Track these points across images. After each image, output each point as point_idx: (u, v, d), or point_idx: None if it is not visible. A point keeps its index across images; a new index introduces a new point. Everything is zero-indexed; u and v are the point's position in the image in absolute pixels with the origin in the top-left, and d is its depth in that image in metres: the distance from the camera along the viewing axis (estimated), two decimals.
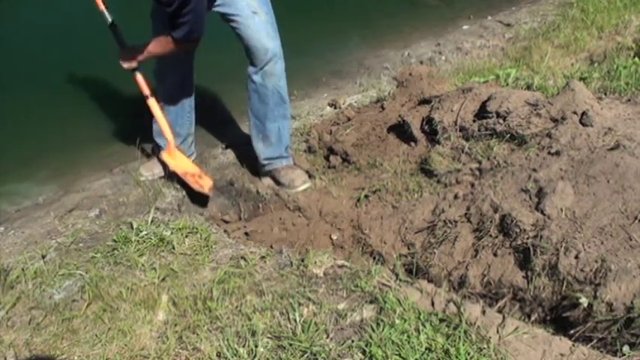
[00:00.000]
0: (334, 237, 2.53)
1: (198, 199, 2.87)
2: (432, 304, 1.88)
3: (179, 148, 2.95)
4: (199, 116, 3.12)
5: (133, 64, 2.67)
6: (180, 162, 2.92)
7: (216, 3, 2.54)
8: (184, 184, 2.91)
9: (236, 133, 3.46)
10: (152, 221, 2.61)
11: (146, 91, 2.75)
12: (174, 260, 2.34)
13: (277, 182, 2.93)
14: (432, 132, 2.82)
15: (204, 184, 2.83)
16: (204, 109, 3.37)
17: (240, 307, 2.02)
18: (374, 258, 2.38)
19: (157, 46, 2.54)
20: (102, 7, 2.64)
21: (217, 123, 3.61)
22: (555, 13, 4.56)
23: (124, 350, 1.93)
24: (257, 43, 2.60)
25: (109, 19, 2.64)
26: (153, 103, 2.78)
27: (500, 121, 2.56)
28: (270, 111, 2.78)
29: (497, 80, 3.28)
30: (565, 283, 1.82)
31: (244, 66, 2.73)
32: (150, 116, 2.86)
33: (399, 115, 3.01)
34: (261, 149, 2.91)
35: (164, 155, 2.91)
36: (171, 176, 2.99)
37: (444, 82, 3.18)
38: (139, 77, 2.73)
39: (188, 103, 2.95)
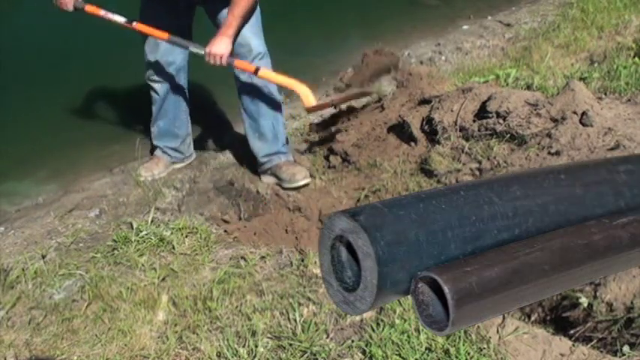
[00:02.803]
0: None
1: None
2: None
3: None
4: (199, 117, 3.12)
5: (230, 46, 2.52)
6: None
7: None
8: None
9: (235, 133, 3.45)
10: (152, 221, 2.60)
11: (250, 67, 2.62)
12: (174, 260, 2.33)
13: (278, 178, 2.92)
14: (432, 132, 2.82)
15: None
16: (204, 110, 3.37)
17: (240, 307, 2.02)
18: None
19: (236, 6, 2.45)
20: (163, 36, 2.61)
21: (217, 123, 3.61)
22: (555, 13, 4.56)
23: (124, 350, 1.93)
24: (242, 41, 2.62)
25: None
26: (264, 72, 2.64)
27: (500, 121, 2.56)
28: (263, 107, 2.79)
29: (497, 80, 3.28)
30: None
31: None
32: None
33: (399, 115, 3.00)
34: (259, 147, 2.91)
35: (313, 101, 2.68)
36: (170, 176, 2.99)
37: (444, 82, 3.18)
38: (239, 62, 2.60)
39: (184, 104, 2.95)
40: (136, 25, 2.64)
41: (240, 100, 2.81)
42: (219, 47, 2.51)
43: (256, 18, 2.66)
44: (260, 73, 2.63)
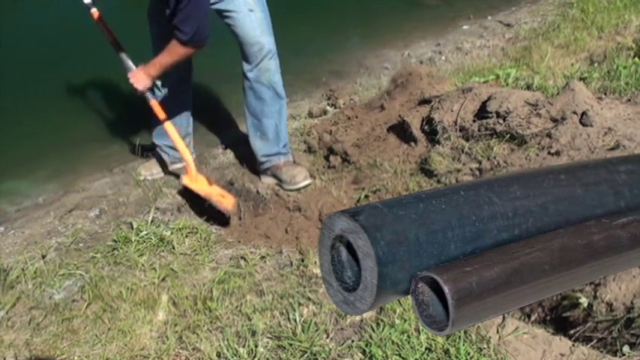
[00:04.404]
0: None
1: (219, 218, 2.71)
2: None
3: (198, 171, 2.79)
4: (199, 116, 3.12)
5: (148, 83, 2.61)
6: (202, 184, 2.75)
7: (214, 0, 2.55)
8: (201, 203, 2.77)
9: (236, 133, 3.46)
10: (152, 221, 2.61)
11: (162, 115, 2.69)
12: (174, 260, 2.34)
13: (278, 179, 2.92)
14: (432, 132, 2.82)
15: (228, 202, 2.69)
16: (205, 109, 3.37)
17: (240, 307, 2.02)
18: None
19: (167, 55, 2.51)
20: (111, 36, 2.64)
21: (217, 123, 3.61)
22: (555, 13, 4.56)
23: (124, 350, 1.93)
24: (252, 40, 2.63)
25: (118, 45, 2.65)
26: (170, 127, 2.72)
27: (500, 121, 2.56)
28: (267, 107, 2.79)
29: (497, 80, 3.28)
30: None
31: None
32: (153, 117, 2.82)
33: (399, 115, 3.00)
34: (259, 146, 2.91)
35: (185, 180, 2.74)
36: (171, 175, 2.99)
37: (444, 82, 3.18)
38: (154, 102, 2.68)
39: (186, 103, 2.95)
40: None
41: (245, 98, 2.81)
42: (137, 81, 2.59)
43: (266, 16, 2.66)
44: (165, 125, 2.70)
